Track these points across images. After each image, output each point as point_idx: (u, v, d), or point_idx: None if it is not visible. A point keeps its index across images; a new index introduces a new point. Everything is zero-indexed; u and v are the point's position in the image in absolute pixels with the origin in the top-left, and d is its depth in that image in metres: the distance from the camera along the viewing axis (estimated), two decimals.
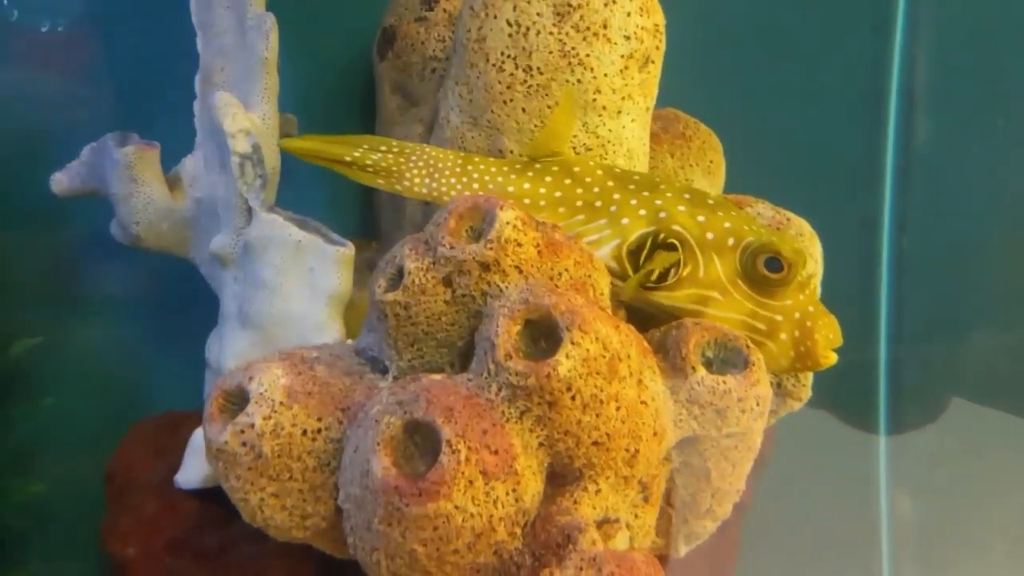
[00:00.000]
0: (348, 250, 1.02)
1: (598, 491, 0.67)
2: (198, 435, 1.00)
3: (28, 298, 1.22)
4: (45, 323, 1.21)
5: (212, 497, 0.97)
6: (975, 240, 1.25)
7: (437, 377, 0.66)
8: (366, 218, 1.29)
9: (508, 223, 0.69)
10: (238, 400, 0.69)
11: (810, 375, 0.91)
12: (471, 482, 0.60)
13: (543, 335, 0.66)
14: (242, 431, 0.66)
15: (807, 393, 0.90)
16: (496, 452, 0.61)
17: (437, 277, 0.70)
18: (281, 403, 0.67)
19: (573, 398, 0.63)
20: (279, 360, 0.70)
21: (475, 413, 0.62)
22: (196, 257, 1.13)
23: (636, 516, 0.71)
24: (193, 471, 0.98)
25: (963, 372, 1.19)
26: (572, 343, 0.63)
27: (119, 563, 0.95)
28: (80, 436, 1.23)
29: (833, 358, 0.77)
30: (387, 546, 0.62)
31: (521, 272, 0.69)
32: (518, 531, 0.63)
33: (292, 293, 1.02)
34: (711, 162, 1.17)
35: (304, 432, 0.67)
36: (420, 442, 0.63)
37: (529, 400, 0.63)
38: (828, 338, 0.77)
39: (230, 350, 1.05)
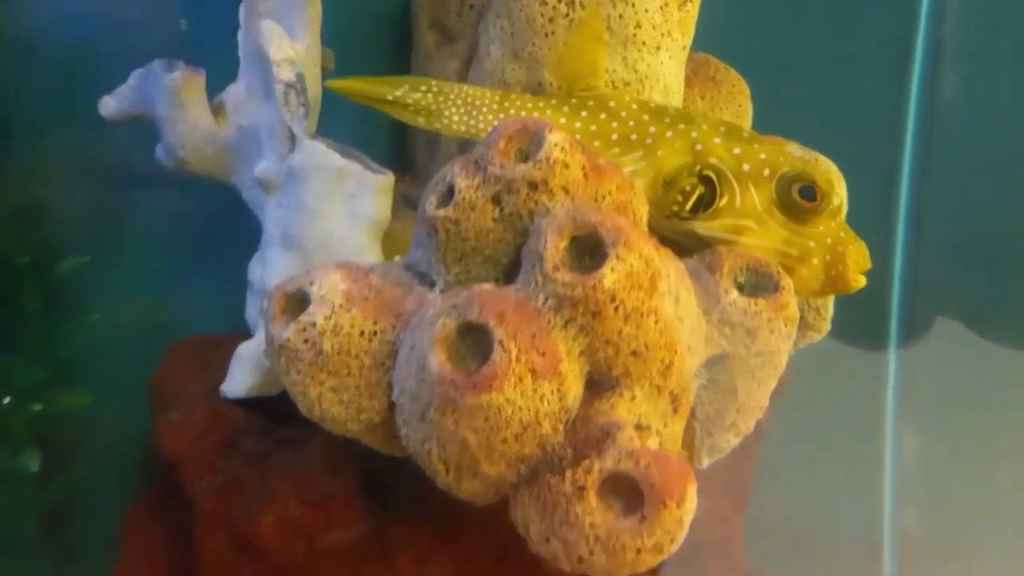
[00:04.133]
0: (388, 178, 1.05)
1: (633, 398, 0.71)
2: (243, 347, 1.04)
3: (76, 219, 1.25)
4: (92, 243, 1.25)
5: (255, 406, 1.02)
6: (996, 198, 1.27)
7: (488, 286, 0.70)
8: (399, 153, 1.31)
9: (556, 145, 0.72)
10: (298, 303, 0.73)
11: (831, 309, 0.95)
12: (520, 379, 0.64)
13: (587, 252, 0.70)
14: (304, 329, 0.70)
15: (827, 326, 0.94)
16: (543, 354, 0.65)
17: (486, 195, 0.73)
18: (340, 305, 0.71)
19: (616, 309, 0.67)
20: (337, 268, 0.74)
21: (524, 318, 0.66)
22: (239, 182, 1.15)
23: (665, 425, 0.75)
24: (238, 381, 1.02)
25: (975, 319, 1.21)
26: (617, 258, 0.66)
27: (168, 464, 1.01)
28: (124, 352, 1.28)
29: (862, 281, 0.81)
30: (440, 435, 0.66)
31: (567, 193, 0.72)
32: (560, 427, 0.67)
33: (333, 218, 1.05)
34: (739, 106, 1.19)
35: (361, 333, 0.71)
36: (471, 345, 0.67)
37: (574, 310, 0.67)
38: (858, 262, 0.80)
39: (272, 272, 1.09)
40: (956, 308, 1.21)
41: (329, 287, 0.72)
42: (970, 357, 1.20)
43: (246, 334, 1.11)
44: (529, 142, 0.74)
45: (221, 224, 1.20)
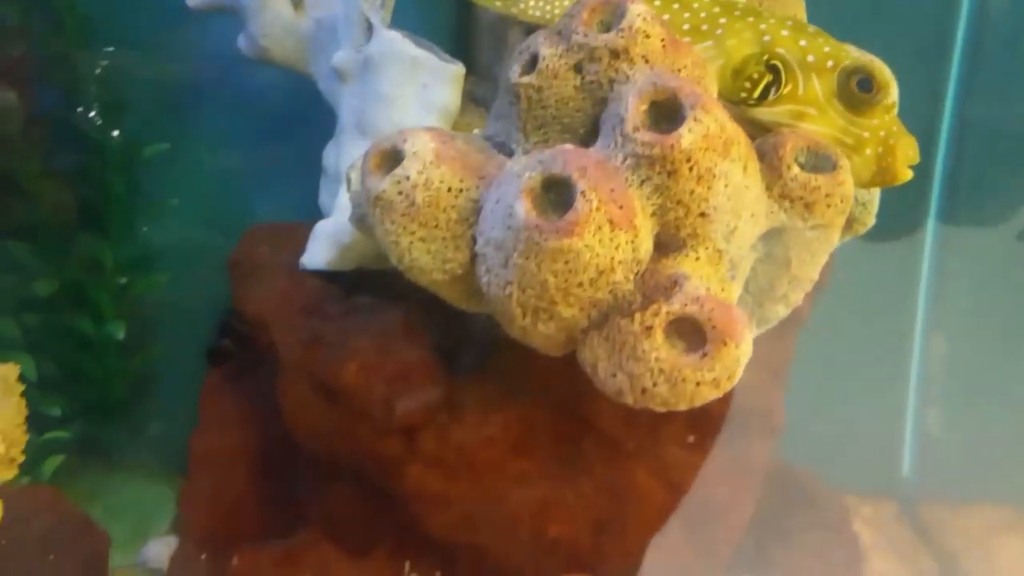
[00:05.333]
0: (459, 68, 1.08)
1: (697, 259, 0.75)
2: (321, 224, 1.10)
3: (158, 107, 1.30)
4: (173, 131, 1.29)
5: (332, 279, 1.08)
6: None
7: (570, 146, 0.73)
8: (462, 54, 1.33)
9: (639, 15, 0.74)
10: (392, 159, 0.77)
11: (876, 203, 0.97)
12: (599, 227, 0.68)
13: (664, 118, 0.73)
14: (399, 181, 0.75)
15: (872, 220, 0.97)
16: (621, 207, 0.69)
17: (569, 63, 0.76)
18: (431, 162, 0.75)
19: (691, 169, 0.70)
20: (426, 130, 0.78)
21: (605, 174, 0.70)
22: (315, 72, 1.19)
23: (723, 290, 0.79)
24: (317, 254, 1.08)
25: (1010, 223, 1.21)
26: (695, 119, 0.69)
27: (254, 324, 1.07)
28: (199, 235, 1.34)
29: (909, 174, 0.83)
30: (521, 279, 0.71)
31: (647, 62, 0.74)
32: (631, 277, 0.71)
33: (407, 105, 1.08)
34: (794, 14, 1.18)
35: (449, 189, 0.76)
36: (553, 200, 0.71)
37: (651, 169, 0.70)
38: (907, 155, 0.82)
39: (347, 157, 1.13)
40: (993, 215, 1.22)
41: (421, 145, 0.76)
42: (1002, 266, 1.22)
43: (315, 224, 1.16)
44: (611, 15, 0.76)
45: (298, 111, 1.24)
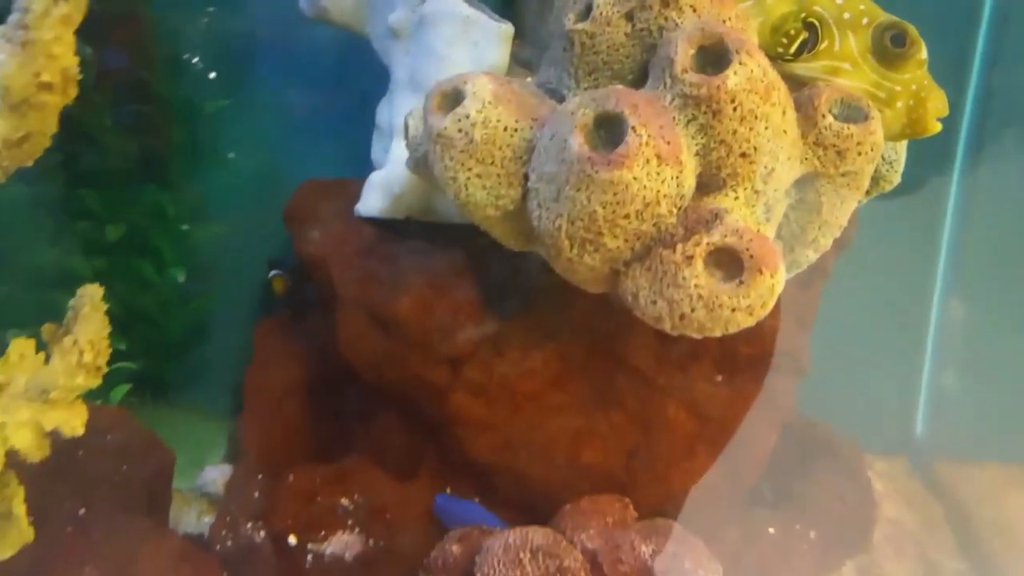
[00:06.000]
0: (509, 28, 1.12)
1: (736, 199, 0.79)
2: (375, 174, 1.15)
3: (220, 65, 1.36)
4: (233, 88, 1.35)
5: (386, 225, 1.13)
6: None
7: (621, 86, 0.77)
8: (507, 16, 1.37)
9: None
10: (452, 99, 0.82)
11: (902, 162, 1.00)
12: (648, 161, 0.72)
13: (710, 63, 0.76)
14: (459, 119, 0.79)
15: (897, 178, 1.00)
16: (669, 143, 0.73)
17: (621, 11, 0.80)
18: (489, 102, 0.80)
19: (735, 109, 0.74)
20: (484, 73, 0.82)
21: (654, 111, 0.74)
22: (371, 32, 1.23)
23: (758, 231, 0.83)
24: (371, 202, 1.13)
25: None
26: (740, 63, 0.73)
27: (312, 264, 1.13)
28: (255, 189, 1.40)
29: (938, 126, 0.86)
30: (572, 210, 0.76)
31: (695, 11, 0.78)
32: (675, 210, 0.76)
33: (458, 63, 1.13)
34: None
35: (505, 128, 0.80)
36: (604, 137, 0.76)
37: (697, 109, 0.75)
38: (937, 108, 0.86)
39: (400, 112, 1.17)
40: (1017, 182, 1.24)
41: (480, 87, 0.80)
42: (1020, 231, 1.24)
43: (365, 179, 1.21)
44: None
45: (349, 74, 1.29)
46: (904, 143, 0.98)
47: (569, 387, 0.99)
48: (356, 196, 1.17)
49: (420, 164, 0.94)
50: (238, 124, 1.37)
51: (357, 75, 1.28)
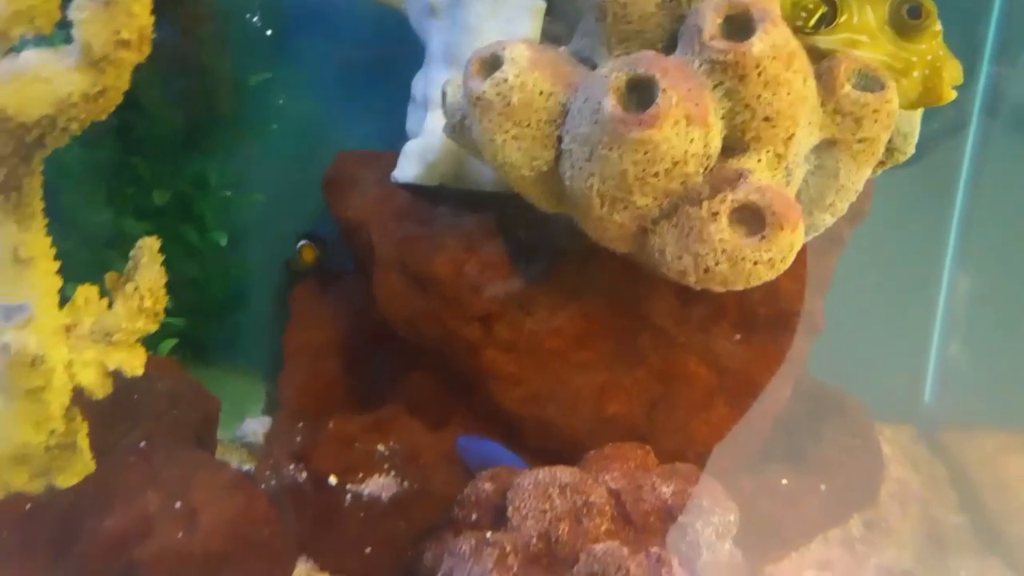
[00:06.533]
0: (540, 3, 1.16)
1: (759, 161, 0.83)
2: (410, 143, 1.19)
3: (261, 41, 1.40)
4: (275, 62, 1.40)
5: (420, 192, 1.18)
6: None
7: (652, 52, 0.81)
8: None
9: None
10: (491, 65, 0.86)
11: (916, 135, 1.03)
12: (677, 122, 0.76)
13: (736, 32, 0.80)
14: (498, 83, 0.84)
15: (911, 149, 1.03)
16: (697, 105, 0.77)
17: None
18: (526, 67, 0.84)
19: (759, 75, 0.77)
20: (522, 40, 0.87)
21: (684, 75, 0.78)
22: (408, 9, 1.28)
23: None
24: (406, 168, 1.18)
25: None
26: (764, 31, 0.77)
27: (350, 227, 1.18)
28: (294, 159, 1.45)
29: (953, 94, 0.89)
30: (603, 169, 0.80)
31: None
32: (702, 170, 0.80)
33: (491, 37, 1.15)
34: None
35: (541, 92, 0.84)
36: (635, 100, 0.80)
37: (724, 74, 0.78)
38: (952, 76, 0.88)
39: (435, 85, 1.21)
40: None
41: (518, 53, 0.85)
42: None
43: (400, 149, 1.25)
44: None
45: (385, 50, 1.33)
46: (919, 117, 1.02)
47: (594, 344, 1.04)
48: (391, 166, 1.22)
49: (456, 130, 0.98)
50: (279, 97, 1.42)
51: (394, 50, 1.32)
